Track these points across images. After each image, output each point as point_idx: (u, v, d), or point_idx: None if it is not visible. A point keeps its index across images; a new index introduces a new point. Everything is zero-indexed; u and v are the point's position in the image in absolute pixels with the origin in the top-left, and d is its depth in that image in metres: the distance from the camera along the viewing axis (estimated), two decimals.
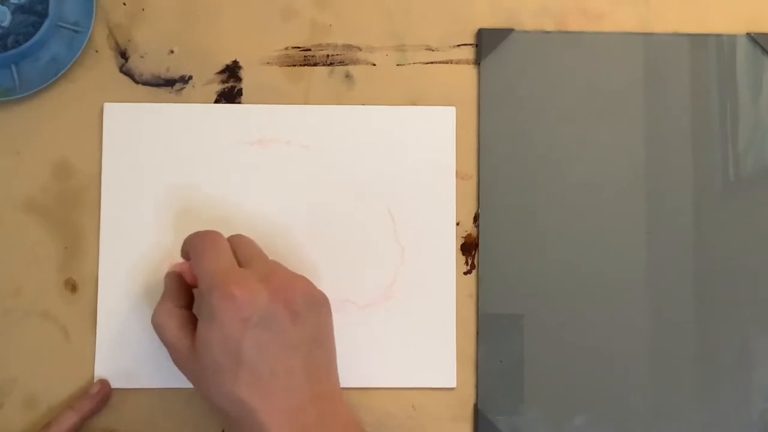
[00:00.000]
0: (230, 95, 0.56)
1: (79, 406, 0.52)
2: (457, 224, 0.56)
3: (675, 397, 0.55)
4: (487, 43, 0.57)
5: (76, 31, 0.56)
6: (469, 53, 0.57)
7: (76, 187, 0.55)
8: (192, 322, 0.49)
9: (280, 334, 0.47)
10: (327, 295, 0.50)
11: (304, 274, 0.50)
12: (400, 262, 0.55)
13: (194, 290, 0.51)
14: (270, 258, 0.51)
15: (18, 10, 0.55)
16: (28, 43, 0.54)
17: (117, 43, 0.57)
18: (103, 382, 0.53)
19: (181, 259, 0.52)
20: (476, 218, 0.56)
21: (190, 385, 0.54)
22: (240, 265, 0.49)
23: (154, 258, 0.55)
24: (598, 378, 0.55)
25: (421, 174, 0.56)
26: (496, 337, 0.55)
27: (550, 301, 0.55)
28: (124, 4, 0.57)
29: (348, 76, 0.57)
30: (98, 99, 0.56)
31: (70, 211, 0.55)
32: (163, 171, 0.55)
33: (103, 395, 0.53)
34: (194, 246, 0.49)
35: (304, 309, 0.48)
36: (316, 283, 0.50)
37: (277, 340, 0.47)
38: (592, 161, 0.56)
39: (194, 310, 0.51)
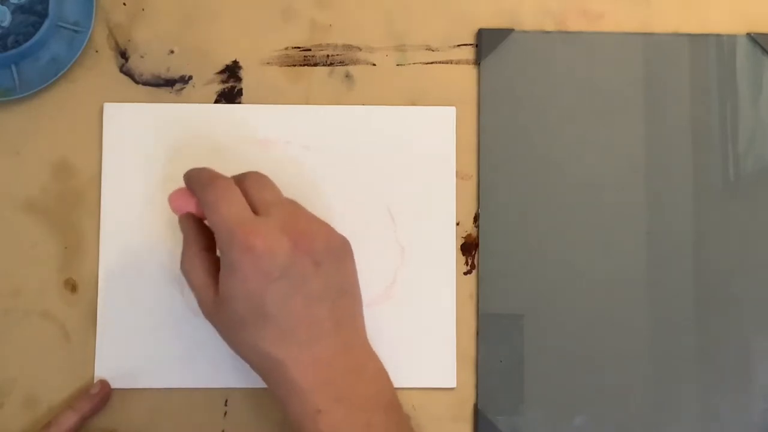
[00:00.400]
0: (230, 95, 0.56)
1: (79, 406, 0.52)
2: (457, 224, 0.56)
3: (675, 398, 0.55)
4: (487, 43, 0.57)
5: (76, 31, 0.56)
6: (469, 53, 0.57)
7: (76, 187, 0.55)
8: (216, 268, 0.48)
9: (303, 285, 0.46)
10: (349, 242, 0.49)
11: None
12: (400, 262, 0.55)
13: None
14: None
15: (18, 10, 0.55)
16: (28, 43, 0.54)
17: (117, 43, 0.57)
18: (103, 383, 0.53)
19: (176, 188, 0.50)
20: (476, 218, 0.56)
21: (190, 385, 0.54)
22: (257, 211, 0.47)
23: (154, 258, 0.55)
24: (598, 378, 0.55)
25: (421, 174, 0.56)
26: (496, 337, 0.55)
27: (550, 301, 0.55)
28: (124, 4, 0.57)
29: (348, 76, 0.57)
30: (98, 99, 0.56)
31: (70, 211, 0.55)
32: (163, 171, 0.55)
33: (103, 395, 0.53)
34: (205, 196, 0.47)
35: (327, 258, 0.47)
36: None
37: (301, 291, 0.46)
38: (592, 161, 0.56)
39: (218, 254, 0.49)
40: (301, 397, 0.46)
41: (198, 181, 0.48)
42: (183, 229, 0.49)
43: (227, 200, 0.47)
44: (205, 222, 0.50)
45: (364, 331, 0.49)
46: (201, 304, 0.48)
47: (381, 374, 0.49)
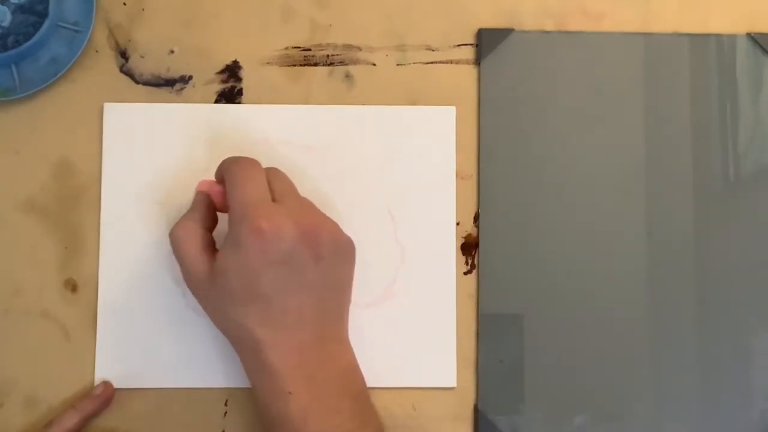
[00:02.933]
0: (230, 95, 0.56)
1: (82, 407, 0.52)
2: (457, 224, 0.56)
3: (675, 398, 0.55)
4: (487, 43, 0.57)
5: (76, 31, 0.56)
6: (469, 53, 0.57)
7: (76, 187, 0.55)
8: (211, 246, 0.50)
9: (299, 274, 0.48)
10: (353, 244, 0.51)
11: None
12: (400, 262, 0.55)
13: (219, 214, 0.52)
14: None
15: (18, 10, 0.55)
16: (28, 43, 0.54)
17: (117, 43, 0.57)
18: (107, 384, 0.53)
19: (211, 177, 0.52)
20: (476, 218, 0.56)
21: (190, 385, 0.54)
22: (273, 198, 0.49)
23: (154, 258, 0.55)
24: (598, 378, 0.55)
25: (421, 174, 0.56)
26: (496, 337, 0.55)
27: (550, 301, 0.55)
28: (124, 4, 0.57)
29: (348, 76, 0.57)
30: (98, 99, 0.56)
31: (70, 211, 0.55)
32: (163, 171, 0.55)
33: (106, 397, 0.53)
34: (232, 172, 0.49)
35: (328, 253, 0.49)
36: None
37: (296, 279, 0.48)
38: (592, 161, 0.56)
39: (214, 234, 0.51)
40: (273, 377, 0.47)
41: (228, 160, 0.51)
42: (193, 203, 0.51)
43: (252, 179, 0.49)
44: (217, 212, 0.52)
45: (345, 328, 0.51)
46: (188, 272, 0.50)
47: (353, 367, 0.51)
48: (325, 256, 0.48)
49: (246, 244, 0.47)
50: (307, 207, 0.50)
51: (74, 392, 0.54)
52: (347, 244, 0.50)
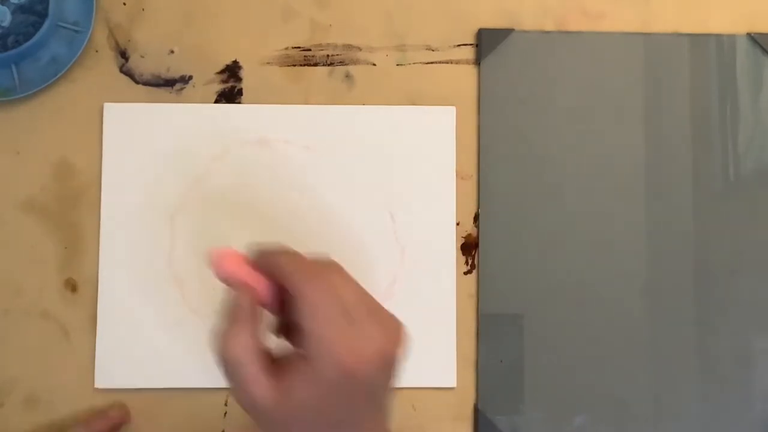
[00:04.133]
0: (230, 95, 0.56)
1: (93, 425, 0.52)
2: (457, 224, 0.56)
3: (675, 398, 0.55)
4: (487, 43, 0.57)
5: (76, 31, 0.56)
6: (469, 53, 0.57)
7: (76, 187, 0.55)
8: (271, 362, 0.42)
9: (375, 400, 0.44)
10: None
11: None
12: (400, 262, 0.55)
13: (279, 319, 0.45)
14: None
15: (18, 10, 0.55)
16: (28, 43, 0.54)
17: (117, 43, 0.57)
18: (123, 409, 0.53)
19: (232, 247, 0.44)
20: (476, 218, 0.56)
21: (190, 385, 0.54)
22: (345, 308, 0.42)
23: (154, 258, 0.55)
24: (598, 378, 0.55)
25: (421, 174, 0.56)
26: (496, 337, 0.55)
27: (550, 301, 0.55)
28: (124, 4, 0.57)
29: (348, 76, 0.57)
30: (98, 99, 0.56)
31: (70, 211, 0.55)
32: (163, 171, 0.55)
33: (120, 421, 0.53)
34: (306, 290, 0.41)
35: (394, 374, 0.44)
36: None
37: (372, 406, 0.43)
38: (592, 161, 0.56)
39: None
40: None
41: (295, 268, 0.43)
42: (237, 306, 0.42)
43: (324, 300, 0.42)
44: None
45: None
46: (253, 401, 0.42)
47: None
48: (393, 376, 0.44)
49: (329, 383, 0.41)
50: (379, 317, 0.43)
51: (74, 392, 0.54)
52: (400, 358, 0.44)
